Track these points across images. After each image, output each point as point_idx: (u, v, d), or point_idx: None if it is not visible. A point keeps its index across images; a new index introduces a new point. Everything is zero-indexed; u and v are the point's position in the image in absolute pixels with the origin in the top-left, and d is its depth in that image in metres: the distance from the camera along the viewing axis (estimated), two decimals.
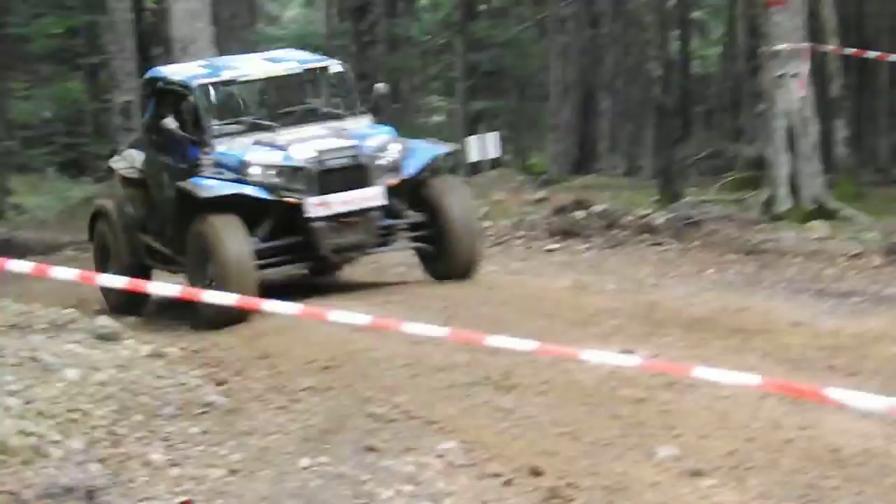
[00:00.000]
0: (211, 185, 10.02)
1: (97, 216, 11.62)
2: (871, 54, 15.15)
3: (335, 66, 11.03)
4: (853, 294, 9.69)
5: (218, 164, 10.20)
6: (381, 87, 11.15)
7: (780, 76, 13.10)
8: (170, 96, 10.79)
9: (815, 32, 14.28)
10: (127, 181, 11.26)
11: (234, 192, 9.94)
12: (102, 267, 11.34)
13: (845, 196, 13.71)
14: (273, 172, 10.06)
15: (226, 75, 10.82)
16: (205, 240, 9.83)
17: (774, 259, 11.07)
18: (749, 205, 13.53)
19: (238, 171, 10.11)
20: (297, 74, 11.02)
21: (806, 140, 13.09)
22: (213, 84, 10.75)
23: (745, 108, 22.70)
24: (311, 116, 10.79)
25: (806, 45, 13.12)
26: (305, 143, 10.19)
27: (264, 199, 10.00)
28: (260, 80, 11.16)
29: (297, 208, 10.04)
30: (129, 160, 11.32)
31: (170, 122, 10.35)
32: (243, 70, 10.93)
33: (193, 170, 10.25)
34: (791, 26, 13.08)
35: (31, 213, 22.76)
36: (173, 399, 7.23)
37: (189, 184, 10.13)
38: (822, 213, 12.84)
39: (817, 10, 15.01)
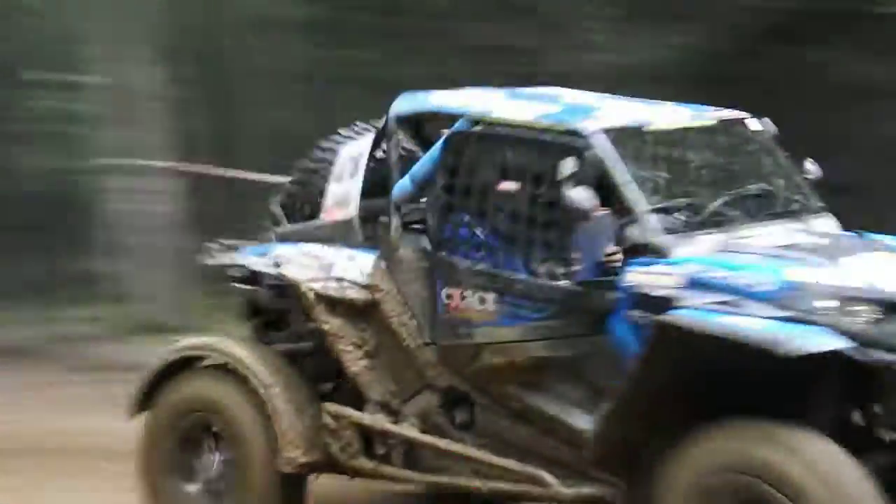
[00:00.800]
0: (799, 333, 4.98)
1: (182, 380, 6.07)
2: None
3: (753, 121, 6.13)
4: None
5: (699, 285, 5.19)
6: (813, 166, 6.21)
7: None
8: (496, 150, 5.67)
9: None
10: (326, 302, 5.87)
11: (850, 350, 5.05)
12: (177, 484, 6.05)
13: None
14: (862, 312, 5.26)
15: (617, 120, 5.66)
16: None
17: None
18: None
19: (770, 301, 5.15)
20: (714, 128, 5.98)
21: None
22: (624, 133, 5.61)
23: None
24: (763, 207, 5.82)
25: None
26: (863, 260, 5.49)
27: (876, 364, 5.15)
28: (671, 131, 5.87)
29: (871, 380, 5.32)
30: (311, 267, 5.93)
31: (583, 196, 5.29)
32: (634, 114, 5.81)
33: (611, 288, 5.30)
34: None
35: None
36: None
37: (730, 328, 4.95)
38: None
39: None
